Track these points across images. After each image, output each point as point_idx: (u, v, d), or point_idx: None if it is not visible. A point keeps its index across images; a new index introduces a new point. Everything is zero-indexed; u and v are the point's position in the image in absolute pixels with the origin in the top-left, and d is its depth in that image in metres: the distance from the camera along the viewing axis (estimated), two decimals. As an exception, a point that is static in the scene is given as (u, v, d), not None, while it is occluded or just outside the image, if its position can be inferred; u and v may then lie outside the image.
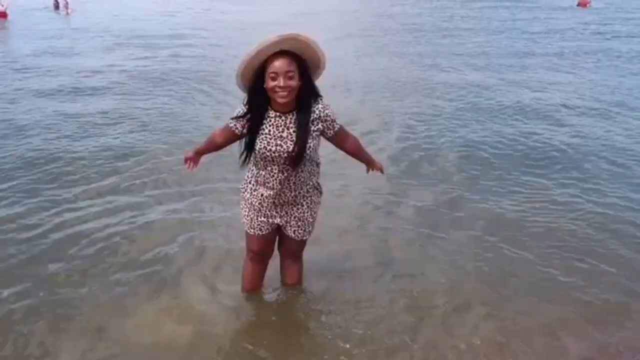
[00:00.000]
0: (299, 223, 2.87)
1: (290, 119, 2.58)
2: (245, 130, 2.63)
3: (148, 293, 3.26)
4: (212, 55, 10.99)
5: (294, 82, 2.46)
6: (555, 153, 5.61)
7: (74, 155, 5.25)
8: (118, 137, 5.82)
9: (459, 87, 8.40)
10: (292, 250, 3.06)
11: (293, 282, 3.23)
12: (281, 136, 2.58)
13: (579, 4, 22.85)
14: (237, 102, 2.70)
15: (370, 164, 2.92)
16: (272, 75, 2.44)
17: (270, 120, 2.59)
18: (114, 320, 3.01)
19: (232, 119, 2.67)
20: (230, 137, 2.72)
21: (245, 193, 2.84)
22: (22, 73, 9.14)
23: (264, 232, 2.90)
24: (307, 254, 3.19)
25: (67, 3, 19.78)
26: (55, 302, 3.14)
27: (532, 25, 16.74)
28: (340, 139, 2.76)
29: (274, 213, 2.82)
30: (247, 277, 3.18)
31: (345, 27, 16.06)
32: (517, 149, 5.71)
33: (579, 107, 7.40)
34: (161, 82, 8.51)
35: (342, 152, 2.89)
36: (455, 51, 11.80)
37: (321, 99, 2.63)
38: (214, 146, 2.86)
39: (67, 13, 19.47)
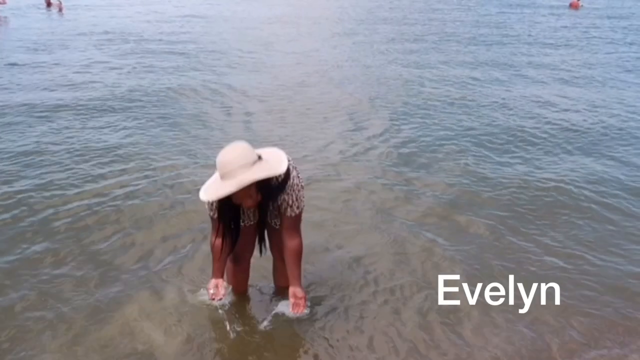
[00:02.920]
0: (286, 198, 2.83)
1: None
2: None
3: (128, 297, 3.32)
4: (203, 64, 10.50)
5: (255, 200, 2.64)
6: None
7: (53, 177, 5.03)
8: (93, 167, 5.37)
9: (441, 102, 8.09)
10: (289, 228, 2.94)
11: (284, 285, 3.24)
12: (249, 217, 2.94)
13: (570, 5, 22.98)
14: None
15: (292, 284, 2.95)
16: (234, 198, 2.62)
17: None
18: (93, 326, 3.05)
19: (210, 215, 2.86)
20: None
21: None
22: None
23: (241, 227, 2.97)
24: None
25: (59, 2, 19.62)
26: (30, 308, 3.20)
27: (526, 29, 16.76)
28: (286, 227, 2.86)
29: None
30: (231, 278, 3.22)
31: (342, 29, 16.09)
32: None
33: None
34: (147, 102, 7.73)
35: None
36: (439, 59, 11.66)
37: (288, 187, 2.74)
38: (222, 251, 2.92)
39: (59, 10, 19.33)
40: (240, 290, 3.28)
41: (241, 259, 3.16)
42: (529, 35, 15.23)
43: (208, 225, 3.00)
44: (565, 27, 17.12)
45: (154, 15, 17.99)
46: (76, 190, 4.72)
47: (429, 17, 19.07)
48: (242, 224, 2.97)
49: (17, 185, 4.80)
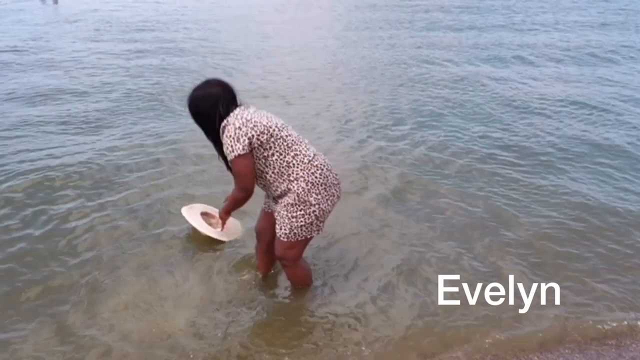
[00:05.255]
0: (278, 217, 2.97)
1: None
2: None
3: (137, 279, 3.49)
4: (195, 62, 9.85)
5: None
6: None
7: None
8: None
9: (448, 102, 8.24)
10: (276, 246, 3.10)
11: (263, 271, 3.49)
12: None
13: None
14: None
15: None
16: None
17: None
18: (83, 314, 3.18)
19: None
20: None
21: None
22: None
23: (264, 209, 3.21)
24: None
25: (54, -8, 19.40)
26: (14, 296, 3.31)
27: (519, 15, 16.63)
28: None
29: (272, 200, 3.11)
30: (256, 255, 3.49)
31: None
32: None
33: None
34: (142, 107, 7.13)
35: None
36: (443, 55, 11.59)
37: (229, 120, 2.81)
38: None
39: (54, 2, 19.13)
40: (260, 268, 3.49)
41: (260, 239, 3.34)
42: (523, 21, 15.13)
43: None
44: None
45: (149, 6, 17.81)
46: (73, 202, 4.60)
47: (413, 2, 18.96)
48: (264, 207, 3.24)
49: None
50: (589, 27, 14.16)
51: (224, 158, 2.93)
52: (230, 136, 2.73)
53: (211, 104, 2.81)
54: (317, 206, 2.87)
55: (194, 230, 3.83)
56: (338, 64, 9.93)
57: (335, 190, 2.96)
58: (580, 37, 12.68)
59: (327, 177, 2.90)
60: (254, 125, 2.75)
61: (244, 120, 2.76)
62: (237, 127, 2.73)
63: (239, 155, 2.74)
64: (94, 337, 3.01)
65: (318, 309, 3.30)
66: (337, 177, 3.00)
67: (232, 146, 2.73)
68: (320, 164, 2.90)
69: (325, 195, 2.89)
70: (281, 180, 2.86)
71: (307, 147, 2.92)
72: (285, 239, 2.96)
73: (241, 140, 2.72)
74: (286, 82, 8.64)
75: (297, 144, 2.87)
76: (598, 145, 5.97)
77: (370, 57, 10.52)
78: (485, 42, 12.01)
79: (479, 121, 6.77)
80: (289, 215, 2.89)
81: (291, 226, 2.91)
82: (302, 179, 2.84)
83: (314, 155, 2.91)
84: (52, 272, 3.55)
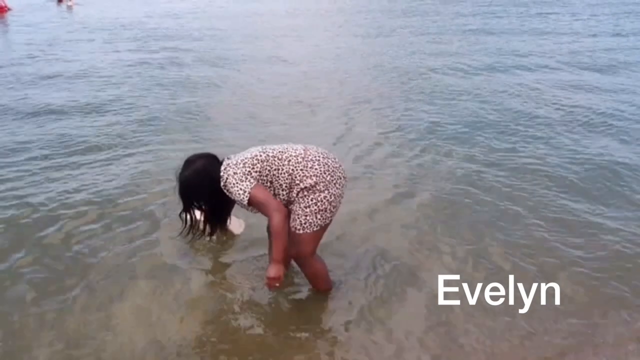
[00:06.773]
0: (291, 213, 3.00)
1: None
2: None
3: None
4: (211, 79, 9.31)
5: None
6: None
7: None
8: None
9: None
10: (290, 242, 3.09)
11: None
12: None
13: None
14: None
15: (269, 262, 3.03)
16: None
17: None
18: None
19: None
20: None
21: None
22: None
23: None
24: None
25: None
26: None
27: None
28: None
29: None
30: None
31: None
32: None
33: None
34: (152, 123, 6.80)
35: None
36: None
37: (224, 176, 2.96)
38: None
39: (69, 6, 19.46)
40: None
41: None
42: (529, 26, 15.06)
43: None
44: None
45: (160, 13, 18.00)
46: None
47: (424, 5, 19.00)
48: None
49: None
50: (610, 34, 14.00)
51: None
52: (234, 184, 2.90)
53: (203, 176, 2.99)
54: (326, 191, 2.93)
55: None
56: (348, 71, 9.92)
57: (339, 173, 3.04)
58: (602, 44, 12.52)
59: (326, 164, 2.98)
60: (244, 164, 2.94)
61: (233, 166, 2.94)
62: (233, 174, 2.92)
63: (251, 189, 2.88)
64: (100, 341, 3.03)
65: (320, 316, 3.28)
66: (337, 160, 3.09)
67: (240, 189, 2.89)
68: (314, 156, 2.98)
69: (332, 180, 2.96)
70: (292, 189, 2.96)
71: (294, 148, 3.02)
72: (301, 231, 2.97)
73: (244, 179, 2.90)
74: (302, 88, 8.64)
75: (285, 152, 2.99)
76: (622, 163, 5.57)
77: (382, 63, 10.48)
78: (504, 48, 11.89)
79: (507, 135, 6.42)
80: (302, 206, 2.95)
81: (305, 216, 2.95)
82: (305, 178, 2.92)
83: (304, 150, 3.01)
84: (59, 278, 3.57)
